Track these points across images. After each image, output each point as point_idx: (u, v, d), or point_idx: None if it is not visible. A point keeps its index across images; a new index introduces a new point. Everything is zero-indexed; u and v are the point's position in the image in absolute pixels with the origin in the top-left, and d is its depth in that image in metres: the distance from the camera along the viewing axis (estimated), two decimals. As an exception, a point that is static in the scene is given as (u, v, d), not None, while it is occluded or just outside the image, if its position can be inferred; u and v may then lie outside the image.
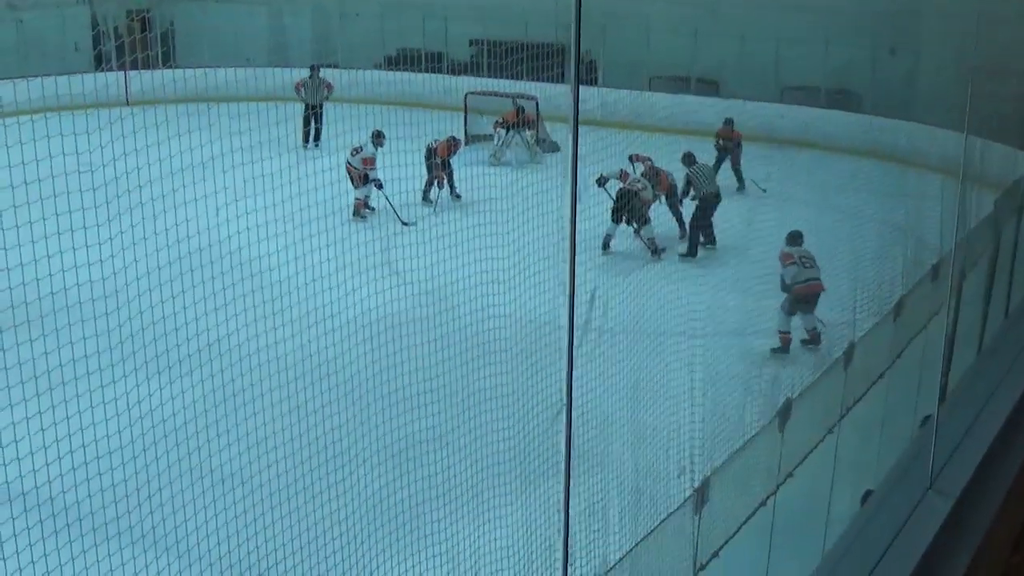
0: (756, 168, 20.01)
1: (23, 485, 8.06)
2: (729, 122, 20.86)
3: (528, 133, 22.66)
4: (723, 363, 12.66)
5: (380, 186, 18.20)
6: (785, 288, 13.09)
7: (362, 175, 18.55)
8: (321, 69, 23.91)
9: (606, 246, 16.67)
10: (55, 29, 26.64)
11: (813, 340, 13.04)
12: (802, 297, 13.00)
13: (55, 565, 7.61)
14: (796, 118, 23.71)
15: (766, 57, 24.97)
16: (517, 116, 22.56)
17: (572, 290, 2.94)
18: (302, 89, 23.70)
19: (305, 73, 23.96)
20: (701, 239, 16.86)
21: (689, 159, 17.48)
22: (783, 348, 13.05)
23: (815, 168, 18.41)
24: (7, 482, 7.73)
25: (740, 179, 20.23)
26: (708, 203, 16.94)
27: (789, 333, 13.03)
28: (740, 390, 11.26)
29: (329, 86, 23.75)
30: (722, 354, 12.75)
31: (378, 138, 18.32)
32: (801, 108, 24.11)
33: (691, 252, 16.68)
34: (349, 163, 18.54)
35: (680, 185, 17.22)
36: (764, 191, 19.43)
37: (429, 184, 19.34)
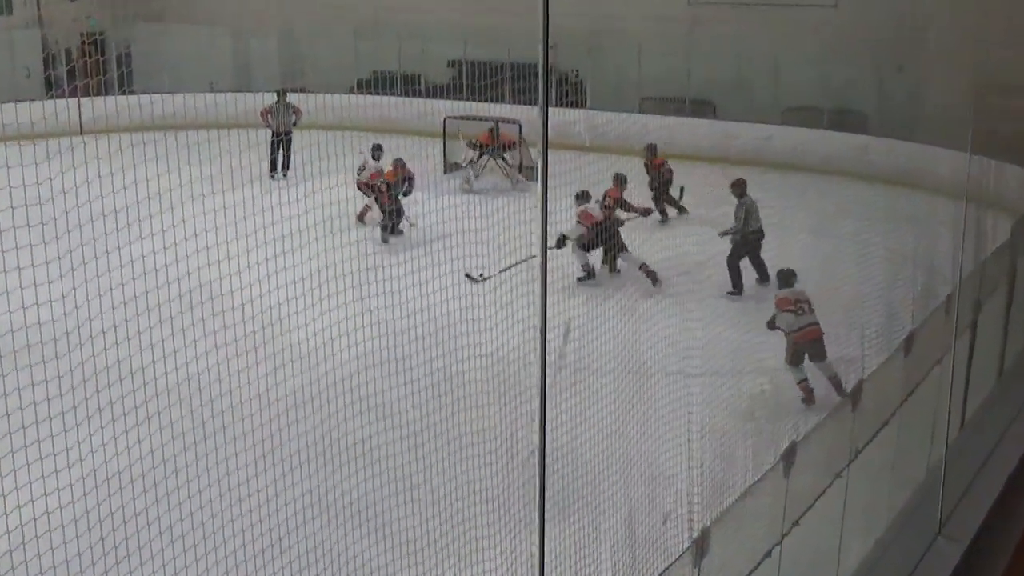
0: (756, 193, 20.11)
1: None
2: (652, 148, 20.73)
3: (506, 155, 22.67)
4: (721, 404, 12.69)
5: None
6: (771, 326, 13.18)
7: (370, 185, 19.44)
8: (289, 94, 23.95)
9: (590, 275, 16.78)
10: (3, 53, 26.68)
11: (836, 388, 12.92)
12: (802, 345, 13.03)
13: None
14: (795, 140, 23.86)
15: (765, 77, 25.16)
16: (491, 137, 22.59)
17: (544, 324, 2.96)
18: (269, 115, 23.71)
19: (272, 98, 24.01)
20: (757, 276, 16.75)
21: (740, 188, 17.30)
22: (809, 399, 12.96)
23: (815, 192, 18.50)
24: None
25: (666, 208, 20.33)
26: (754, 239, 16.86)
27: (806, 380, 13.02)
28: (741, 433, 11.28)
29: (297, 111, 23.78)
30: (720, 394, 12.78)
31: (377, 151, 19.23)
32: (801, 130, 24.26)
33: (737, 290, 16.60)
34: (359, 179, 19.43)
35: (737, 215, 17.00)
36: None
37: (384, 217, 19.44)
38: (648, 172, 20.38)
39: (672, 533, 8.95)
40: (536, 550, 3.18)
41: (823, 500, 9.24)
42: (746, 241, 16.83)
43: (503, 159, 22.71)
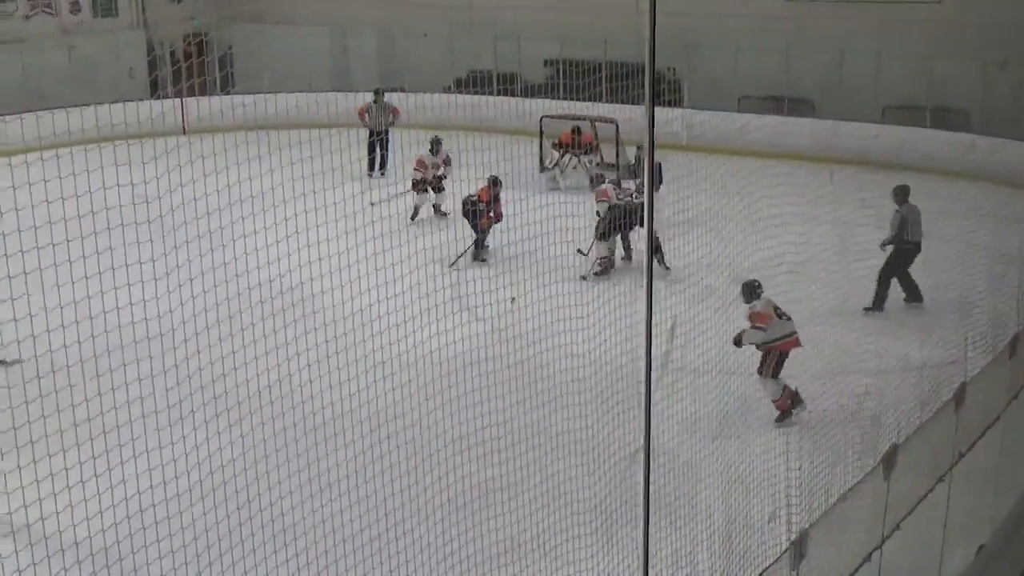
0: (861, 192, 19.73)
1: (76, 534, 8.22)
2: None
3: (589, 156, 22.64)
4: (820, 404, 12.55)
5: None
6: (738, 342, 12.57)
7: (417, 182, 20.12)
8: (386, 93, 24.13)
9: (606, 270, 16.52)
10: (109, 55, 27.24)
11: (795, 400, 12.51)
12: (783, 355, 12.53)
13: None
14: (898, 138, 23.49)
15: (865, 75, 24.79)
16: (573, 137, 22.60)
17: (650, 322, 2.96)
18: (366, 115, 23.90)
19: (369, 98, 24.20)
20: (903, 295, 15.96)
21: (901, 194, 16.24)
22: (787, 414, 12.51)
23: (917, 192, 18.18)
24: (59, 531, 7.89)
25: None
26: (910, 252, 15.95)
27: (783, 394, 12.51)
28: (840, 434, 11.13)
29: (395, 111, 23.95)
30: (820, 395, 12.64)
31: (436, 144, 19.91)
32: (903, 128, 23.86)
33: (877, 306, 15.82)
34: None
35: (893, 224, 16.04)
36: None
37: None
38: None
39: (771, 535, 8.85)
40: (640, 552, 3.17)
41: (925, 505, 9.07)
42: (900, 253, 15.90)
43: (584, 159, 22.68)
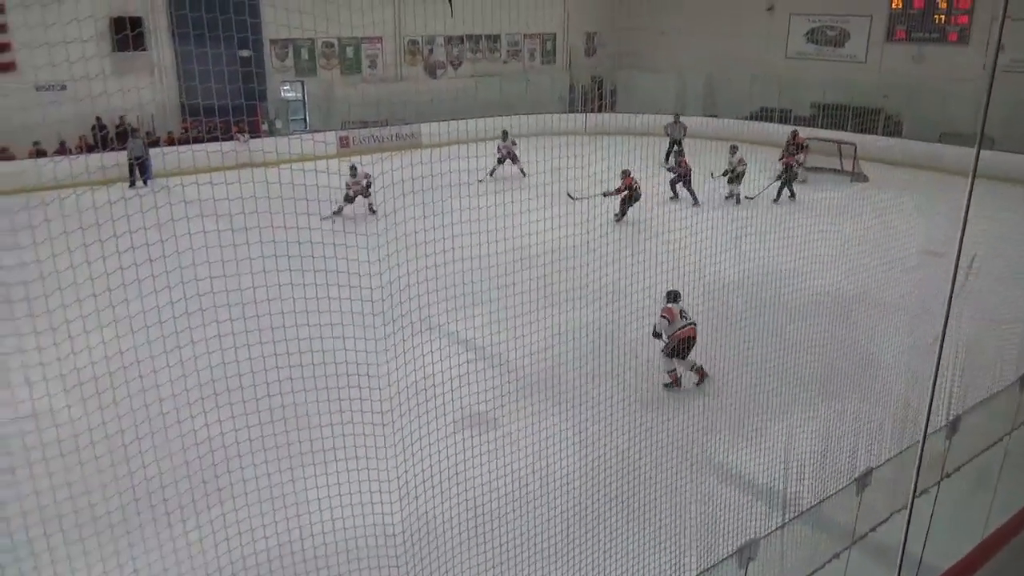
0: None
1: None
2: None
3: (799, 156, 19.38)
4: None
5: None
6: (656, 335, 9.51)
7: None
8: (681, 116, 22.93)
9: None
10: (547, 86, 27.86)
11: (699, 375, 9.54)
12: (678, 342, 9.39)
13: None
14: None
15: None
16: (792, 141, 19.85)
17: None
18: (668, 128, 22.92)
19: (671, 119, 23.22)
20: None
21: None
22: (676, 384, 9.44)
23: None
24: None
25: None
26: None
27: (676, 370, 9.47)
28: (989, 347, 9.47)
29: (685, 128, 22.71)
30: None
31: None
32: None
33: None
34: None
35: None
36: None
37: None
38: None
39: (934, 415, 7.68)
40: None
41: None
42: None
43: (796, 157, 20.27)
